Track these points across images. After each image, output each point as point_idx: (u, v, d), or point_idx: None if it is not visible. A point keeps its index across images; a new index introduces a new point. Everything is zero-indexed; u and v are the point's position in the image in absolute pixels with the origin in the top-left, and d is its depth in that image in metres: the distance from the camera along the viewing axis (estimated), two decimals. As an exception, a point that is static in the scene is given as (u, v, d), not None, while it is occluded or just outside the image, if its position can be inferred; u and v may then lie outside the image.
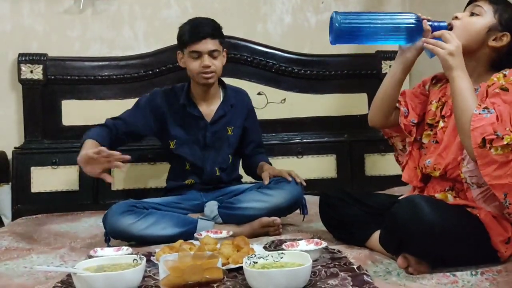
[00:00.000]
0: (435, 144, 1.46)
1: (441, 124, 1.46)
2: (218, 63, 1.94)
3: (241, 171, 2.19)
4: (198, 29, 1.91)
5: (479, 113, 1.24)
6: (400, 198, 1.39)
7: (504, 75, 1.31)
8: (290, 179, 1.86)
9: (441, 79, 1.56)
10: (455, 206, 1.29)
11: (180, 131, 1.98)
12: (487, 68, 1.42)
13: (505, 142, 1.20)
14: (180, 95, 1.99)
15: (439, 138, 1.45)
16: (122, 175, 2.48)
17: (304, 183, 1.90)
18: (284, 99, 2.65)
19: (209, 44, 1.90)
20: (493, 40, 1.40)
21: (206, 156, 1.98)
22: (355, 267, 1.24)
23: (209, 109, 2.01)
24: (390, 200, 1.54)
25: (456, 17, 1.45)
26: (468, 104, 1.28)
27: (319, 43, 2.77)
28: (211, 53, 1.91)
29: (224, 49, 2.01)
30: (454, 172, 1.37)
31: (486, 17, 1.41)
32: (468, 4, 1.48)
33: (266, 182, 1.86)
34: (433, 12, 2.53)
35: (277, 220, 1.78)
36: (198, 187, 1.99)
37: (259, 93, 2.60)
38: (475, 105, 1.27)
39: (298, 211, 1.91)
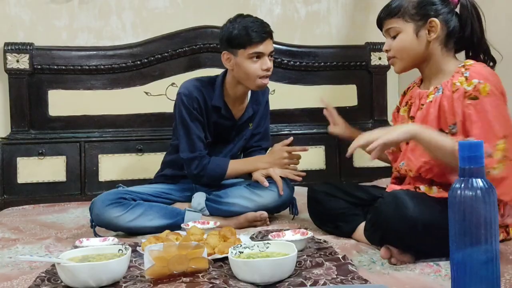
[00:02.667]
0: (406, 145, 1.45)
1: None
2: (272, 64, 1.83)
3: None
4: (261, 28, 1.76)
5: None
6: (385, 191, 1.39)
7: (466, 78, 1.29)
8: (280, 187, 1.80)
9: (409, 87, 1.55)
10: (439, 199, 1.29)
11: (208, 130, 1.88)
12: (445, 57, 1.40)
13: (499, 157, 1.22)
14: (211, 92, 1.85)
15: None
16: (110, 166, 2.47)
17: (298, 178, 1.84)
18: (274, 91, 2.65)
19: (270, 45, 1.78)
20: (429, 34, 1.37)
21: (223, 149, 1.93)
22: (340, 256, 1.25)
23: (238, 108, 1.92)
24: (376, 192, 1.54)
25: (387, 51, 1.43)
26: (445, 146, 1.25)
27: (309, 35, 2.77)
28: (271, 54, 1.81)
29: None
30: (428, 174, 1.37)
31: (403, 28, 1.38)
32: (381, 28, 1.45)
33: (266, 184, 1.79)
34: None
35: (264, 214, 1.76)
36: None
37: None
38: (450, 141, 1.25)
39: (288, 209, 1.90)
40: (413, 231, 1.20)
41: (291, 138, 1.84)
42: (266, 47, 1.76)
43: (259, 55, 1.77)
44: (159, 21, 2.61)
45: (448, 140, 1.26)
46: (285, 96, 2.66)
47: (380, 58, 2.75)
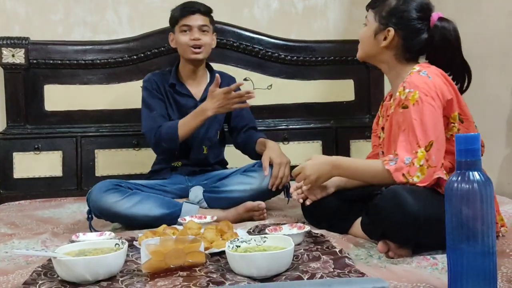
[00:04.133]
0: (381, 154, 1.52)
1: (382, 135, 1.51)
2: (207, 39, 1.99)
3: (226, 157, 2.18)
4: (190, 4, 2.00)
5: (389, 162, 1.31)
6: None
7: (404, 88, 1.34)
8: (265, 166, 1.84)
9: (386, 97, 1.59)
10: (434, 191, 1.29)
11: (171, 110, 2.00)
12: (401, 65, 1.44)
13: (418, 166, 1.27)
14: (169, 76, 2.03)
15: (383, 149, 1.51)
16: (106, 161, 2.47)
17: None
18: (271, 85, 2.64)
19: (199, 20, 1.97)
20: (383, 40, 1.42)
21: (195, 134, 1.95)
22: (337, 250, 1.25)
23: (197, 89, 2.04)
24: (369, 188, 1.54)
25: None
26: (371, 170, 1.37)
27: (306, 29, 2.76)
28: (201, 28, 1.97)
29: (214, 33, 2.07)
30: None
31: (371, 24, 1.46)
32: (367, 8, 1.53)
33: (266, 172, 1.83)
34: None
35: (262, 204, 1.78)
36: (184, 171, 1.98)
37: (245, 79, 2.58)
38: (374, 164, 1.36)
39: (282, 195, 1.91)
40: (414, 225, 1.20)
41: (236, 84, 1.83)
42: (193, 21, 1.97)
43: (188, 28, 1.97)
44: (156, 15, 2.60)
45: (369, 164, 1.38)
46: (282, 91, 2.65)
47: (377, 53, 2.74)
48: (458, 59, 1.43)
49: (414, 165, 1.27)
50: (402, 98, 1.34)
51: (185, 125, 1.86)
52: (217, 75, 1.83)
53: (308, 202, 1.54)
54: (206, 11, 2.00)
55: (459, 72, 1.44)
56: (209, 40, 2.01)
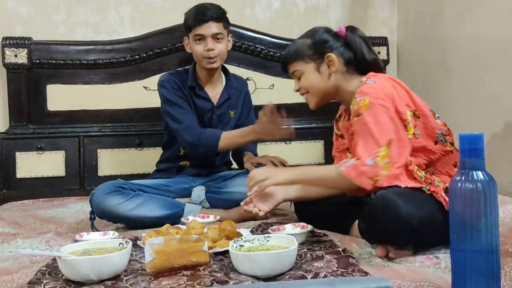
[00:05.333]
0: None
1: (349, 155, 1.53)
2: (221, 47, 1.94)
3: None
4: (202, 12, 1.91)
5: (343, 163, 1.34)
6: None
7: (355, 100, 1.39)
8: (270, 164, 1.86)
9: (341, 114, 1.63)
10: (420, 191, 1.30)
11: (193, 111, 1.97)
12: (351, 80, 1.49)
13: (382, 164, 1.28)
14: (186, 78, 1.98)
15: None
16: (109, 161, 2.47)
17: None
18: (273, 85, 2.64)
19: (212, 28, 1.90)
20: (329, 68, 1.48)
21: None
22: (340, 249, 1.25)
23: (213, 92, 2.02)
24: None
25: (298, 90, 1.56)
26: (325, 174, 1.41)
27: (308, 28, 2.75)
28: (215, 36, 1.91)
29: (230, 34, 2.02)
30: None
31: (306, 69, 1.50)
32: (286, 72, 1.58)
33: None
34: (423, 11, 2.54)
35: None
36: (190, 171, 1.98)
37: (247, 79, 2.58)
38: (328, 168, 1.41)
39: None
40: (409, 229, 1.21)
41: (271, 104, 1.79)
42: (207, 29, 1.90)
43: (201, 37, 1.91)
44: (158, 15, 2.60)
45: (325, 169, 1.45)
46: (284, 91, 2.65)
47: (379, 53, 2.74)
48: (373, 57, 1.51)
49: (378, 165, 1.28)
50: (355, 108, 1.37)
51: (229, 139, 1.86)
52: (271, 103, 1.75)
53: (261, 214, 1.54)
54: (219, 17, 1.93)
55: (379, 67, 1.51)
56: (224, 47, 1.95)
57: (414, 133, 1.38)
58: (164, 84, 1.96)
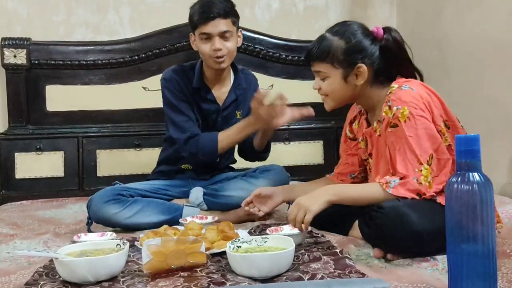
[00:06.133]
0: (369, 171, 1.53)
1: (370, 161, 1.50)
2: (230, 45, 1.80)
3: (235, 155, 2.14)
4: (208, 8, 1.76)
5: (388, 184, 1.28)
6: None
7: (389, 107, 1.33)
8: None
9: (355, 117, 1.59)
10: (434, 204, 1.28)
11: (196, 113, 1.89)
12: (378, 90, 1.43)
13: (427, 183, 1.26)
14: (191, 76, 1.88)
15: (372, 173, 1.50)
16: (108, 161, 2.47)
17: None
18: (272, 85, 2.64)
19: (220, 26, 1.76)
20: (357, 79, 1.40)
21: None
22: (337, 251, 1.25)
23: (220, 92, 1.92)
24: None
25: (318, 89, 1.47)
26: (370, 195, 1.32)
27: (307, 29, 2.76)
28: (222, 35, 1.78)
29: (239, 29, 1.89)
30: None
31: (332, 74, 1.41)
32: (308, 65, 1.47)
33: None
34: (422, 11, 2.54)
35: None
36: (191, 174, 1.94)
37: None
38: (371, 188, 1.32)
39: None
40: (418, 241, 1.20)
41: (263, 91, 1.72)
42: (213, 27, 1.76)
43: (208, 36, 1.78)
44: (157, 16, 2.60)
45: (369, 188, 1.34)
46: (283, 91, 2.57)
47: (378, 53, 2.74)
48: (409, 60, 1.44)
49: (423, 184, 1.26)
50: (390, 117, 1.32)
51: (227, 138, 1.78)
52: (259, 90, 1.68)
53: (261, 214, 1.53)
54: (227, 13, 1.77)
55: (412, 72, 1.45)
56: (233, 46, 1.81)
57: (449, 144, 1.34)
58: (165, 83, 1.87)
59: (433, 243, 1.20)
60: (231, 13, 1.81)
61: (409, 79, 1.40)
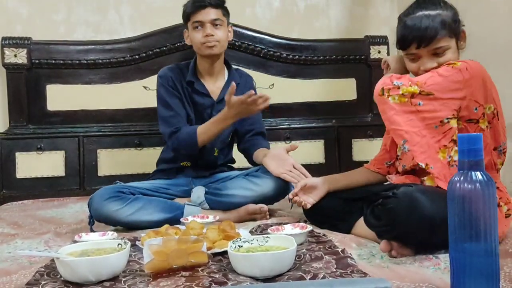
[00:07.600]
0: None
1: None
2: (221, 34, 1.91)
3: (235, 155, 2.15)
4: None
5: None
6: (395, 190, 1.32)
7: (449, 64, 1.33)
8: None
9: None
10: (445, 190, 1.28)
11: (189, 108, 1.95)
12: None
13: (401, 92, 1.28)
14: (185, 72, 1.96)
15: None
16: (108, 160, 2.47)
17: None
18: (273, 84, 2.64)
19: (211, 14, 1.89)
20: (463, 42, 1.42)
21: None
22: (339, 250, 1.25)
23: (214, 86, 1.99)
24: (373, 188, 1.54)
25: (425, 70, 1.37)
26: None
27: (308, 28, 2.76)
28: (213, 22, 1.90)
29: (229, 25, 2.00)
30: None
31: (451, 44, 1.37)
32: (419, 46, 1.35)
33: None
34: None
35: (264, 207, 1.77)
36: (191, 172, 1.96)
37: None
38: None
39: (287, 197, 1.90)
40: (430, 228, 1.18)
41: (248, 93, 1.73)
42: (205, 15, 1.89)
43: (200, 24, 1.90)
44: (157, 15, 2.60)
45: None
46: (284, 90, 2.65)
47: (379, 52, 2.74)
48: None
49: (398, 90, 1.28)
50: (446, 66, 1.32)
51: (205, 132, 1.83)
52: (232, 83, 1.74)
53: (308, 206, 1.54)
54: (218, 4, 1.92)
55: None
56: (223, 35, 1.93)
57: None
58: (160, 80, 1.95)
59: (444, 229, 1.19)
60: (222, 6, 1.94)
61: None
